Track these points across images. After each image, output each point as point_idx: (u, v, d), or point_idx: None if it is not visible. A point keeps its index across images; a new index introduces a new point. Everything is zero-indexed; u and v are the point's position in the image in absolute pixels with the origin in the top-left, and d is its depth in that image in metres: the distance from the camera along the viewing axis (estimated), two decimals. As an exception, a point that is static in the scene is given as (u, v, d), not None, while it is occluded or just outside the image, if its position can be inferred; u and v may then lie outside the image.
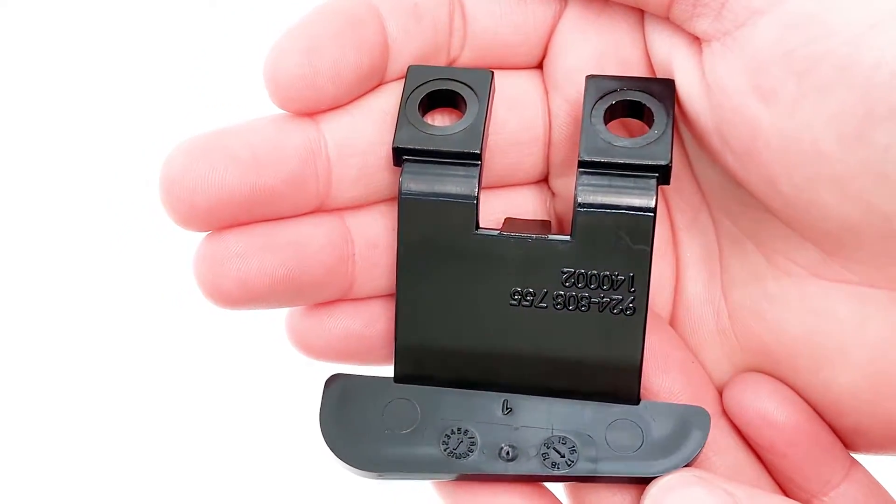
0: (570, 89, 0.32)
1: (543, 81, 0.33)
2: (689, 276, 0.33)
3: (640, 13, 0.32)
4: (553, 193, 0.34)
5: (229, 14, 0.68)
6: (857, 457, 0.33)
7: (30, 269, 0.63)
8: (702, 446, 0.30)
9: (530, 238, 0.30)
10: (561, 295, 0.30)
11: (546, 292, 0.31)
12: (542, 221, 0.33)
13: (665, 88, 0.31)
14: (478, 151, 0.30)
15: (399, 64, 0.31)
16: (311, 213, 0.31)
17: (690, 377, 0.32)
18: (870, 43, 0.26)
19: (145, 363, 0.61)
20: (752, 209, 0.31)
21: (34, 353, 0.61)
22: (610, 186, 0.30)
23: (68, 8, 0.68)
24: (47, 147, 0.66)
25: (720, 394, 0.33)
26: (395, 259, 0.31)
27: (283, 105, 0.30)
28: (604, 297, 0.30)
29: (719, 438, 0.32)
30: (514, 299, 0.31)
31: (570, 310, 0.31)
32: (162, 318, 0.61)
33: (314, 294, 0.31)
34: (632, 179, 0.30)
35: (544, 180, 0.34)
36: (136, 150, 0.64)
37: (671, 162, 0.30)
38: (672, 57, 0.31)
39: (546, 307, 0.31)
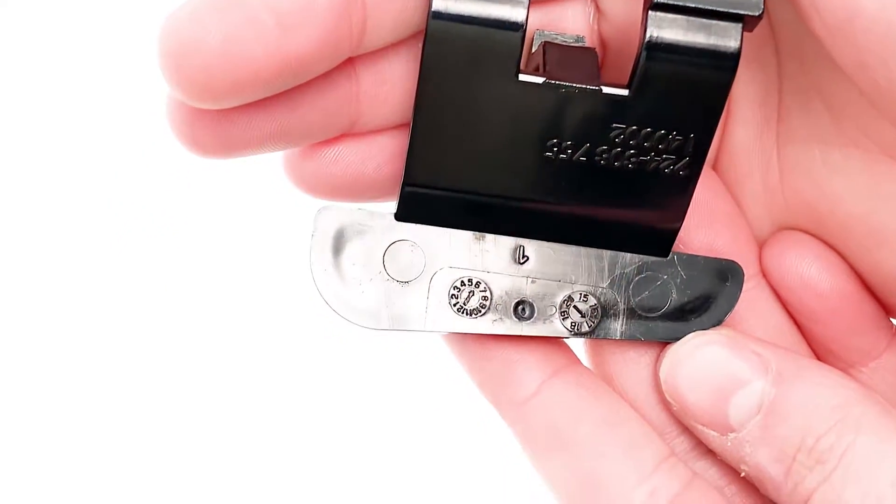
0: None
1: None
2: (740, 116, 0.30)
3: None
4: (599, 10, 0.29)
5: None
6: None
7: (29, 268, 0.60)
8: (733, 306, 0.28)
9: (581, 89, 0.26)
10: (605, 150, 0.27)
11: (589, 146, 0.27)
12: (586, 49, 0.28)
13: None
14: None
15: None
16: None
17: (736, 234, 0.30)
18: None
19: (143, 361, 0.58)
20: (830, 64, 0.27)
21: (33, 351, 0.59)
22: (686, 28, 0.25)
23: (68, 8, 0.62)
24: (47, 147, 0.61)
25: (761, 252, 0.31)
26: (407, 95, 0.27)
27: None
28: (655, 157, 0.26)
29: (757, 300, 0.31)
30: (551, 150, 0.27)
31: (615, 166, 0.27)
32: (160, 317, 0.58)
33: (310, 138, 0.27)
34: (712, 24, 0.25)
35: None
36: (136, 151, 0.59)
37: (763, 11, 0.25)
38: None
39: (586, 160, 0.27)
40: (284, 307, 0.30)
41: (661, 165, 0.27)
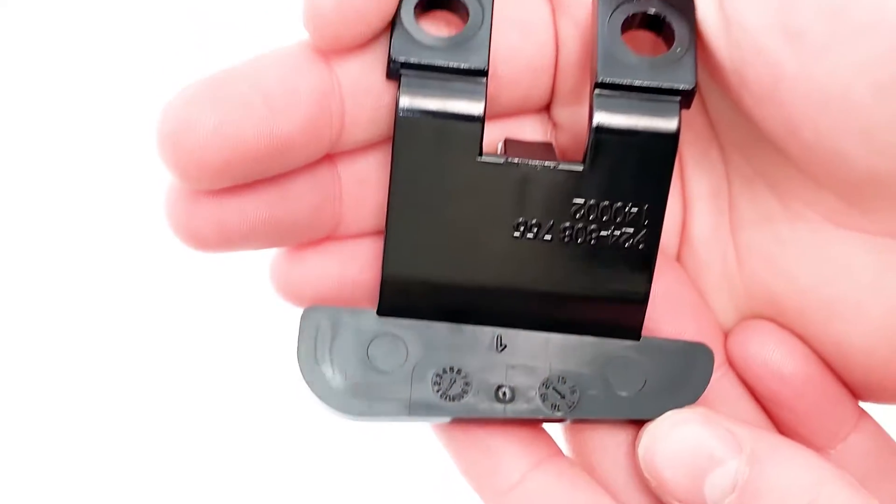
0: (578, 11, 0.29)
1: (550, 2, 0.30)
2: (695, 212, 0.31)
3: None
4: (554, 124, 0.32)
5: (229, 15, 0.66)
6: (866, 406, 0.32)
7: (28, 268, 0.62)
8: (706, 384, 0.29)
9: (539, 165, 0.28)
10: (569, 227, 0.28)
11: (553, 224, 0.28)
12: (545, 144, 0.31)
13: (686, 1, 0.28)
14: (484, 67, 0.27)
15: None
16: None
17: (702, 325, 0.31)
18: None
19: (140, 361, 0.60)
20: (767, 148, 0.29)
21: (32, 352, 0.60)
22: (629, 108, 0.27)
23: (68, 8, 0.66)
24: (47, 147, 0.64)
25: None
26: (384, 198, 0.29)
27: (323, 41, 0.27)
28: (614, 231, 0.28)
29: (725, 388, 0.31)
30: (518, 230, 0.28)
31: (578, 243, 0.28)
32: (158, 316, 0.60)
33: (298, 235, 0.29)
34: (653, 102, 0.27)
35: (545, 109, 0.31)
36: (135, 151, 0.61)
37: (696, 86, 0.27)
38: None
39: (551, 239, 0.28)
40: (284, 310, 0.31)
41: (622, 239, 0.28)
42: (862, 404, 0.32)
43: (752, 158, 0.30)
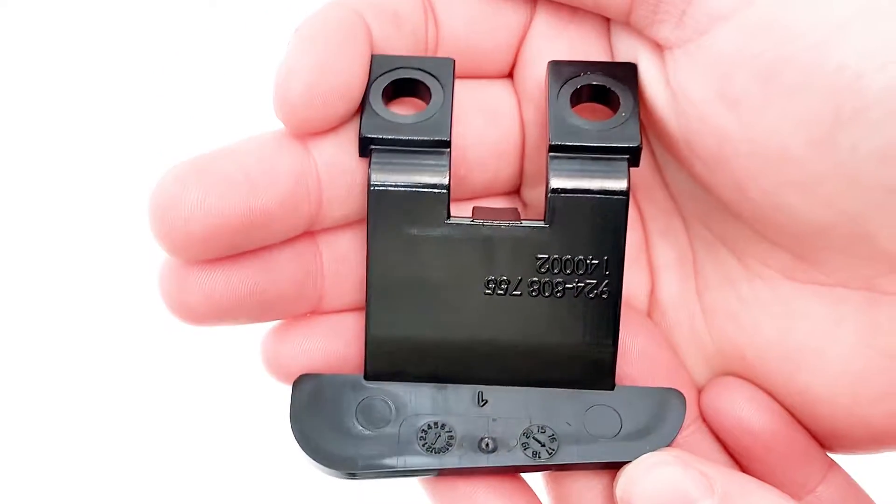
0: (541, 98, 0.32)
1: (515, 91, 0.33)
2: (663, 280, 0.33)
3: (608, 21, 0.32)
4: (525, 204, 0.34)
5: (228, 15, 0.68)
6: (837, 457, 0.33)
7: (28, 271, 0.63)
8: (679, 426, 0.31)
9: (503, 225, 0.30)
10: (536, 281, 0.30)
11: (521, 279, 0.30)
12: (511, 209, 0.33)
13: (628, 72, 0.31)
14: (447, 139, 0.30)
15: None
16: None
17: (676, 382, 0.32)
18: (833, 46, 0.26)
19: (140, 366, 0.61)
20: (723, 214, 0.31)
21: (33, 354, 0.61)
22: (581, 170, 0.30)
23: (68, 9, 0.68)
24: (47, 148, 0.66)
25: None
26: (363, 273, 0.31)
27: (294, 126, 0.29)
28: (578, 282, 0.30)
29: (699, 442, 0.32)
30: (489, 288, 0.31)
31: (546, 296, 0.30)
32: (157, 319, 0.61)
33: (283, 309, 0.31)
34: (603, 162, 0.30)
35: (515, 192, 0.34)
36: (135, 152, 0.63)
37: (641, 143, 0.30)
38: (637, 64, 0.31)
39: (521, 294, 0.30)
40: (253, 322, 0.32)
41: (586, 289, 0.30)
42: (836, 457, 0.33)
43: (711, 225, 0.32)
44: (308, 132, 0.30)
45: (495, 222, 0.30)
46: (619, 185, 0.30)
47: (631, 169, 0.30)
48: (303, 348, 0.31)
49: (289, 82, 0.29)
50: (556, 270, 0.30)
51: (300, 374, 0.31)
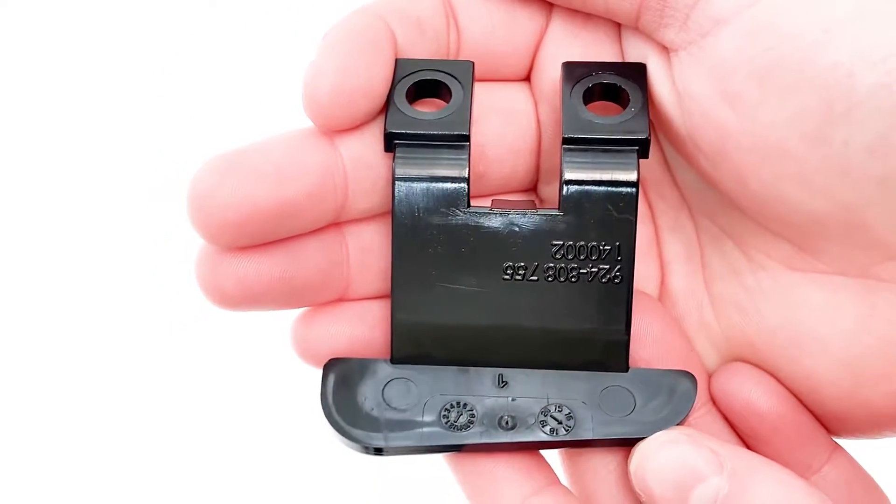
0: (556, 99, 0.34)
1: (532, 93, 0.35)
2: (672, 272, 0.35)
3: (619, 27, 0.34)
4: (541, 200, 0.36)
5: (229, 15, 0.69)
6: (843, 442, 0.35)
7: (32, 271, 0.64)
8: (690, 406, 0.32)
9: (520, 213, 0.32)
10: (551, 267, 0.32)
11: (537, 265, 0.32)
12: (528, 201, 0.35)
13: (637, 71, 0.32)
14: (466, 133, 0.32)
15: None
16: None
17: (687, 365, 0.34)
18: (825, 46, 0.28)
19: (147, 364, 0.62)
20: (728, 208, 0.33)
21: (37, 356, 0.62)
22: (593, 162, 0.32)
23: (68, 10, 0.69)
24: (47, 149, 0.66)
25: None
26: (388, 263, 0.33)
27: (321, 123, 0.31)
28: (592, 268, 0.32)
29: (710, 424, 0.34)
30: (507, 273, 0.32)
31: (561, 281, 0.32)
32: (163, 318, 0.62)
33: (310, 296, 0.33)
34: (613, 154, 0.32)
35: (532, 188, 0.36)
36: (137, 152, 0.64)
37: (649, 136, 0.31)
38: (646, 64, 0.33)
39: (537, 280, 0.32)
40: (283, 308, 0.34)
41: (599, 274, 0.32)
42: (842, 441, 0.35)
43: (717, 219, 0.34)
44: (334, 129, 0.32)
45: (512, 210, 0.32)
46: (629, 174, 0.31)
47: (641, 164, 0.32)
48: (330, 332, 0.33)
49: (317, 82, 0.31)
50: (570, 256, 0.32)
51: (327, 356, 0.33)
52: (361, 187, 0.32)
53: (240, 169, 0.31)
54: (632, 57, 0.33)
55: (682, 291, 0.35)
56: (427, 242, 0.32)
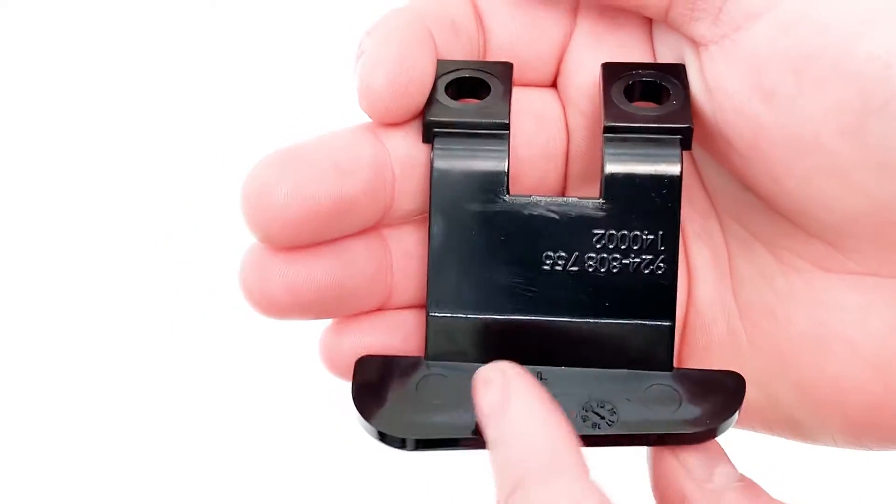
0: (585, 103, 0.34)
1: (560, 98, 0.35)
2: (699, 279, 0.35)
3: (647, 28, 0.34)
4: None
5: (230, 16, 0.69)
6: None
7: (36, 274, 0.64)
8: (741, 402, 0.31)
9: (561, 201, 0.32)
10: (592, 257, 0.32)
11: (577, 255, 0.32)
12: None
13: (677, 70, 0.32)
14: (506, 121, 0.32)
15: None
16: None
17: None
18: (861, 38, 0.28)
19: (157, 366, 0.62)
20: (758, 210, 0.33)
21: (41, 359, 0.62)
22: (636, 151, 0.31)
23: (68, 11, 0.69)
24: (46, 148, 0.66)
25: None
26: (426, 269, 0.32)
27: (378, 115, 0.31)
28: (634, 258, 0.31)
29: None
30: (546, 263, 0.32)
31: (602, 272, 0.32)
32: (169, 319, 0.62)
33: (357, 303, 0.33)
34: (655, 143, 0.31)
35: (560, 192, 0.35)
36: (137, 152, 0.65)
37: (692, 124, 0.31)
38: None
39: (578, 270, 0.32)
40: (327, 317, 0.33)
41: (641, 265, 0.32)
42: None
43: (746, 222, 0.34)
44: (389, 122, 0.32)
45: (552, 198, 0.32)
46: (673, 161, 0.31)
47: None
48: (363, 343, 0.33)
49: (373, 74, 0.31)
50: (611, 246, 0.32)
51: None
52: (408, 187, 0.32)
53: (299, 164, 0.30)
54: (662, 54, 0.33)
55: (709, 299, 0.35)
56: (465, 231, 0.32)
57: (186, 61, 0.68)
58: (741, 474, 0.31)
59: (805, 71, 0.29)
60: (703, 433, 0.31)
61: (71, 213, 0.65)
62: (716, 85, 0.31)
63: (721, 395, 0.31)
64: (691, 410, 0.31)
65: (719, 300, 0.34)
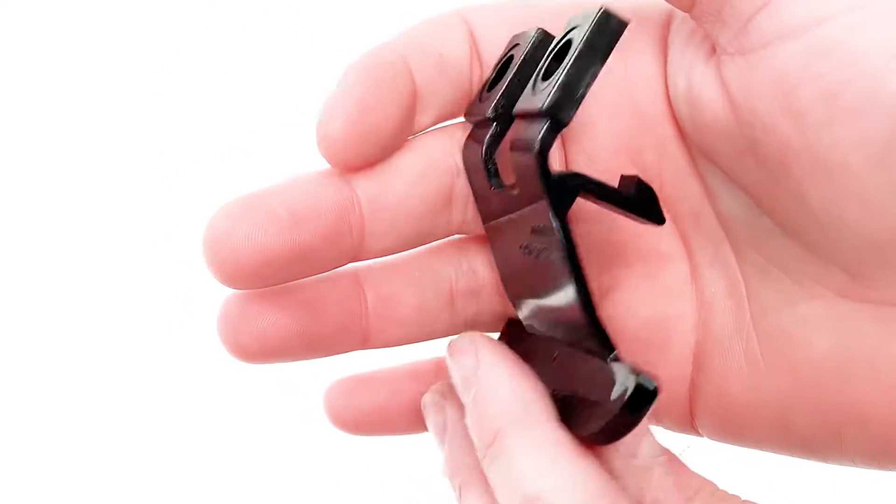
0: (585, 140, 0.34)
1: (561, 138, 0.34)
2: (716, 310, 0.35)
3: (660, 51, 0.33)
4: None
5: (230, 16, 0.69)
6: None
7: (36, 274, 0.64)
8: None
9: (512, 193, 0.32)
10: (527, 245, 0.32)
11: (525, 245, 0.32)
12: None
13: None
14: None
15: (424, 117, 0.33)
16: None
17: None
18: (891, 72, 0.28)
19: (141, 363, 0.62)
20: (776, 237, 0.33)
21: (41, 359, 0.62)
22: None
23: (68, 12, 0.69)
24: (46, 148, 0.66)
25: None
26: (406, 311, 0.33)
27: (335, 162, 0.32)
28: (541, 246, 0.31)
29: None
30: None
31: (536, 260, 0.32)
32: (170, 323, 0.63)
33: (330, 348, 0.33)
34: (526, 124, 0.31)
35: None
36: (137, 153, 0.65)
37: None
38: (692, 76, 0.32)
39: (528, 257, 0.32)
40: (302, 360, 0.34)
41: (543, 251, 0.31)
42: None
43: (763, 249, 0.34)
44: (348, 168, 0.32)
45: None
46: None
47: (677, 198, 0.33)
48: (366, 403, 0.35)
49: (330, 122, 0.31)
50: (531, 233, 0.32)
51: (359, 424, 0.35)
52: (378, 227, 0.33)
53: (253, 213, 0.31)
54: (676, 64, 0.33)
55: (726, 330, 0.34)
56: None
57: (186, 61, 0.68)
58: (663, 447, 0.31)
59: (836, 98, 0.29)
60: None
61: (71, 213, 0.65)
62: (743, 100, 0.31)
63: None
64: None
65: (738, 329, 0.34)
